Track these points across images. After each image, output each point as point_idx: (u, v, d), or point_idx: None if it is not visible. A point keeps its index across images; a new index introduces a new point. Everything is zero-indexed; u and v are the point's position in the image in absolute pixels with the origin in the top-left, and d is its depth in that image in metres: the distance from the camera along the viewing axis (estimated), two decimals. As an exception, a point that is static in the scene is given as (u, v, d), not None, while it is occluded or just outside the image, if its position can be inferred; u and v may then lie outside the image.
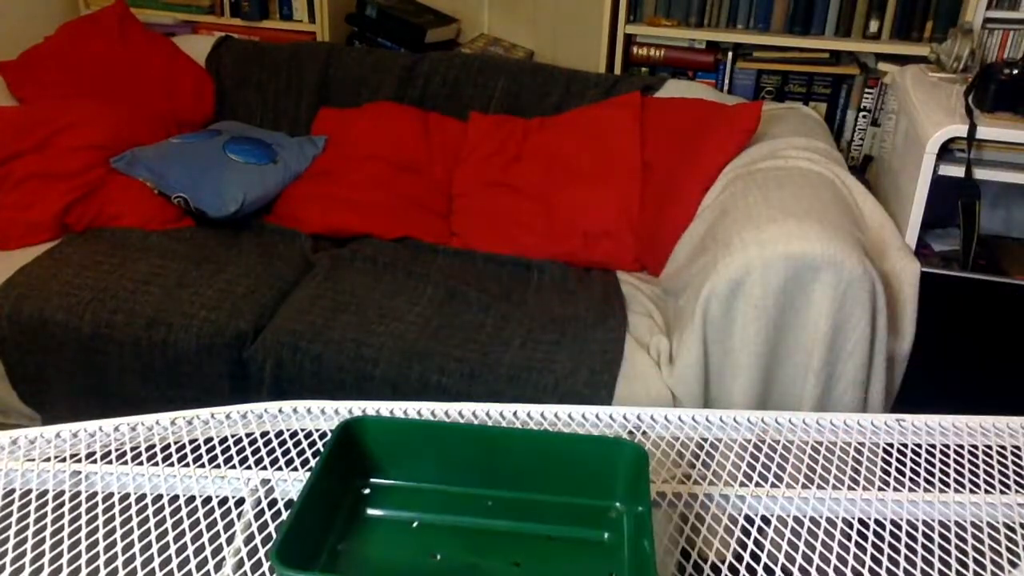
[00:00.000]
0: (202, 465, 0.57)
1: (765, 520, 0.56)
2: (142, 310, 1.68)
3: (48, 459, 0.57)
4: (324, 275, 1.83)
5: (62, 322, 1.67)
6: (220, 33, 2.55)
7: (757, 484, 0.59)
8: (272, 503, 0.55)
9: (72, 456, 0.57)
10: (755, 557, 0.52)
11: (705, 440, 0.65)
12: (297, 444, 0.60)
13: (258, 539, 0.51)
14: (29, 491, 0.55)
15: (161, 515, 0.53)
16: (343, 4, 2.57)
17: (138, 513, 0.53)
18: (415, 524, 0.55)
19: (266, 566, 0.48)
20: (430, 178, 2.16)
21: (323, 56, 2.33)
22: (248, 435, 0.61)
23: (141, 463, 0.57)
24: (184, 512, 0.53)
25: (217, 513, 0.54)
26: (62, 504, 0.54)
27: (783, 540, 0.54)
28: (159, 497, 0.55)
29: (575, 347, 1.59)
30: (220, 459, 0.58)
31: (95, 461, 0.57)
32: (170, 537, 0.51)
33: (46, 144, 1.95)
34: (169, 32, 2.50)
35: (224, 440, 0.60)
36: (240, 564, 0.49)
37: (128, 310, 1.68)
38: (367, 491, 0.56)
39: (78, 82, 2.20)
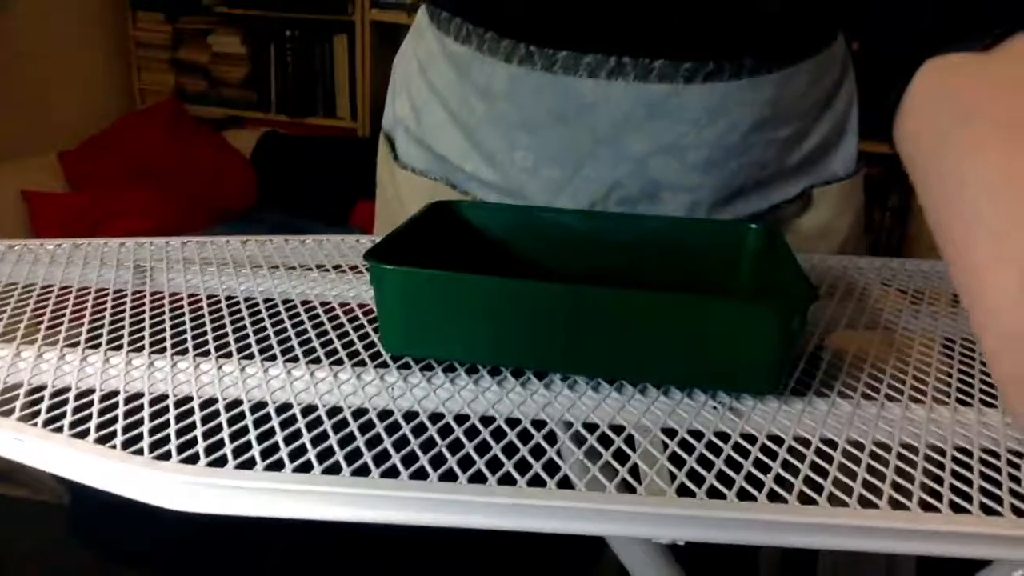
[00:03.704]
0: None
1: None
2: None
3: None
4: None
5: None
6: (266, 128, 2.67)
7: None
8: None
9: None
10: None
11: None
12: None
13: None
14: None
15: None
16: (384, 102, 2.69)
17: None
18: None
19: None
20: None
21: (362, 151, 2.43)
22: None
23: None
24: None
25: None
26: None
27: None
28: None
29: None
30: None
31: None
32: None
33: (96, 230, 2.03)
34: (218, 126, 2.63)
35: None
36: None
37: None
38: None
39: (131, 172, 2.31)
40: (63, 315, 0.53)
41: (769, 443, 0.40)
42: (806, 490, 0.36)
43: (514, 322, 0.44)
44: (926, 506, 0.35)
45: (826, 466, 0.38)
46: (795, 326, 0.41)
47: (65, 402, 0.42)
